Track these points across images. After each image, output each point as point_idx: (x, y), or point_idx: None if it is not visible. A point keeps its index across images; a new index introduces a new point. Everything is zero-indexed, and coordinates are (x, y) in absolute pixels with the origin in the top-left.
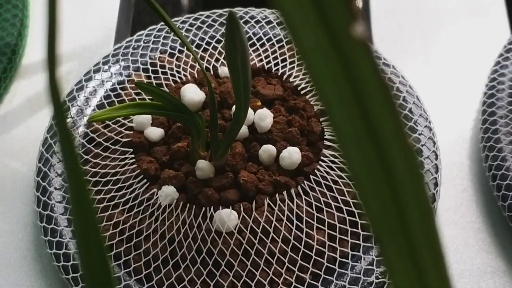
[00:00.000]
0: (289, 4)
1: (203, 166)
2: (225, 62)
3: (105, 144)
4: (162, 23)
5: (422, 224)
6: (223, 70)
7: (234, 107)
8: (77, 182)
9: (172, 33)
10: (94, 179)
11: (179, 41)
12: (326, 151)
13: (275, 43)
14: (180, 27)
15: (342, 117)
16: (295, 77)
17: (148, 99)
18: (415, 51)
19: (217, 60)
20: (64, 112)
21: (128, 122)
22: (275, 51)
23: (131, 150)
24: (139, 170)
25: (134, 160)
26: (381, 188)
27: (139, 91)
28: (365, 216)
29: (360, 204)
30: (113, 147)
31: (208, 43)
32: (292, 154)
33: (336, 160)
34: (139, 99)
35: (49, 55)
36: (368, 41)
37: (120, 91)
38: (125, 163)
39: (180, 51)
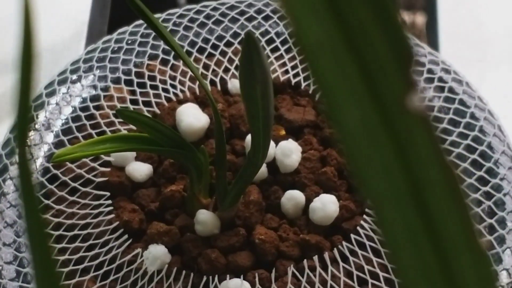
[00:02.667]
0: (329, 70)
1: (205, 218)
2: (237, 74)
3: (73, 184)
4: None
5: None
6: (234, 85)
7: (248, 137)
8: (39, 240)
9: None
10: (56, 232)
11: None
12: None
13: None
14: (177, 23)
15: (393, 213)
16: None
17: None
18: (497, 58)
19: (226, 70)
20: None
21: (105, 155)
22: None
23: (108, 193)
24: (117, 222)
25: (111, 207)
26: None
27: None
28: None
29: None
30: (83, 189)
31: (215, 46)
32: (326, 205)
33: None
34: (120, 123)
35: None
36: (427, 114)
37: (93, 110)
38: (99, 212)
39: (177, 57)
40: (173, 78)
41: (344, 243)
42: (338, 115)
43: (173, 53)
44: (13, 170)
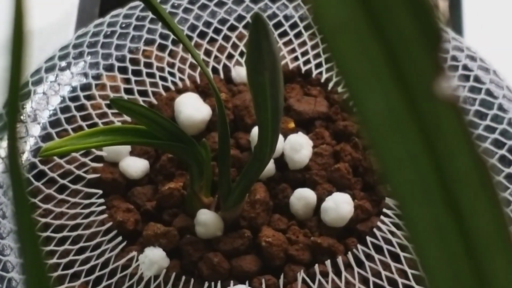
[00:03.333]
0: (352, 53)
1: (206, 219)
2: (241, 61)
3: (61, 181)
4: None
5: None
6: (239, 73)
7: (254, 130)
8: (30, 243)
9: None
10: (44, 234)
11: None
12: (390, 200)
13: (316, 31)
14: (176, 4)
15: (420, 209)
16: None
17: (133, 120)
18: None
19: (229, 56)
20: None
21: (97, 149)
22: (317, 45)
23: (100, 191)
24: (111, 223)
25: (104, 207)
26: None
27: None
28: None
29: None
30: (73, 186)
31: (217, 31)
32: (340, 204)
33: None
34: (113, 114)
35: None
36: (457, 100)
37: (84, 100)
38: (91, 212)
39: (175, 42)
40: (171, 65)
41: (359, 246)
42: (361, 102)
43: (171, 38)
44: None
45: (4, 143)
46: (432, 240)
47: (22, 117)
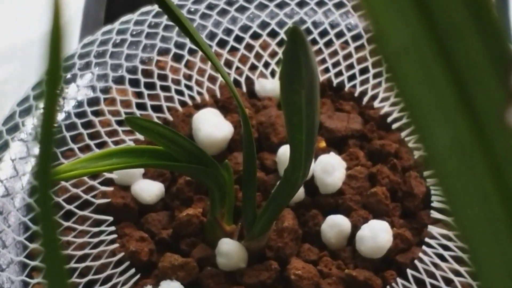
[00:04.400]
0: (415, 79)
1: (229, 249)
2: (266, 72)
3: (68, 207)
4: None
5: None
6: (263, 85)
7: (281, 150)
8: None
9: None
10: None
11: None
12: (433, 228)
13: (349, 40)
14: (192, 10)
15: (490, 248)
16: (383, 99)
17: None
18: None
19: (252, 68)
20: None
21: (106, 171)
22: (349, 55)
23: (110, 218)
24: (123, 253)
25: (115, 235)
26: None
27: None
28: None
29: None
30: (80, 212)
31: (238, 39)
32: (377, 233)
33: (451, 244)
34: (124, 132)
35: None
36: None
37: (92, 116)
38: (100, 241)
39: (192, 51)
40: (188, 77)
41: (398, 280)
42: (425, 133)
43: (188, 47)
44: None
45: (3, 164)
46: (504, 276)
47: (22, 136)
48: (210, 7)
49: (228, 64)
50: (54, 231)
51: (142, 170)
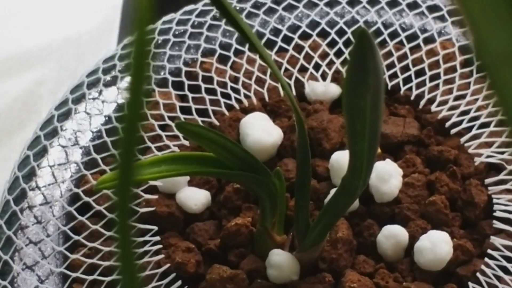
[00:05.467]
0: None
1: (280, 260)
2: (316, 74)
3: (109, 215)
4: (205, 0)
5: None
6: (313, 88)
7: (335, 156)
8: None
9: (225, 21)
10: (89, 277)
11: (236, 34)
12: (496, 239)
13: (404, 40)
14: (237, 8)
15: None
16: (440, 103)
17: (192, 144)
18: None
19: (302, 69)
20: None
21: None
22: (404, 56)
23: (155, 228)
24: (168, 265)
25: (159, 246)
26: None
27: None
28: None
29: None
30: None
31: (287, 40)
32: (436, 244)
33: None
34: (168, 138)
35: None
36: None
37: None
38: (144, 252)
39: (238, 52)
40: (234, 79)
41: None
42: None
43: (233, 47)
44: (33, 197)
45: (42, 171)
46: None
47: (61, 141)
48: (257, 5)
49: (276, 66)
50: (129, 234)
51: (187, 178)
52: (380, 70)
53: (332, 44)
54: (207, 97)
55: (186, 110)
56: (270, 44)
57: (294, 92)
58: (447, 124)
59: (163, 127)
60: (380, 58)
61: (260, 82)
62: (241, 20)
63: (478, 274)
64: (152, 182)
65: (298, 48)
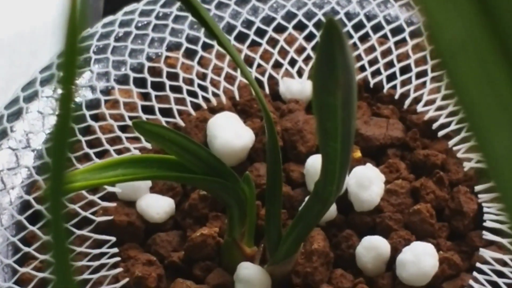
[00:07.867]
0: (472, 78)
1: (250, 274)
2: (292, 71)
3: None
4: None
5: None
6: (289, 86)
7: (310, 160)
8: None
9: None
10: None
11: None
12: (486, 252)
13: (389, 34)
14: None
15: None
16: (427, 103)
17: (155, 147)
18: None
19: (276, 65)
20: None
21: (108, 184)
22: (389, 51)
23: (113, 239)
24: (127, 279)
25: (118, 258)
26: None
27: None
28: None
29: None
30: (78, 232)
31: (260, 32)
32: (420, 257)
33: (506, 270)
34: (128, 140)
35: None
36: None
37: (91, 121)
38: (101, 264)
39: (206, 46)
40: (202, 76)
41: None
42: (483, 138)
43: (201, 41)
44: None
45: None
46: None
47: (11, 143)
48: None
49: (248, 61)
50: (65, 242)
51: (149, 183)
52: (351, 63)
53: (310, 37)
54: (172, 96)
55: (148, 110)
56: (241, 37)
57: (267, 90)
58: (434, 125)
59: (123, 128)
60: (350, 51)
61: (230, 79)
62: (202, 10)
63: None
64: (110, 188)
65: (273, 42)
